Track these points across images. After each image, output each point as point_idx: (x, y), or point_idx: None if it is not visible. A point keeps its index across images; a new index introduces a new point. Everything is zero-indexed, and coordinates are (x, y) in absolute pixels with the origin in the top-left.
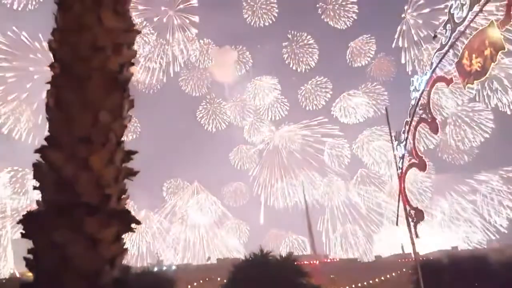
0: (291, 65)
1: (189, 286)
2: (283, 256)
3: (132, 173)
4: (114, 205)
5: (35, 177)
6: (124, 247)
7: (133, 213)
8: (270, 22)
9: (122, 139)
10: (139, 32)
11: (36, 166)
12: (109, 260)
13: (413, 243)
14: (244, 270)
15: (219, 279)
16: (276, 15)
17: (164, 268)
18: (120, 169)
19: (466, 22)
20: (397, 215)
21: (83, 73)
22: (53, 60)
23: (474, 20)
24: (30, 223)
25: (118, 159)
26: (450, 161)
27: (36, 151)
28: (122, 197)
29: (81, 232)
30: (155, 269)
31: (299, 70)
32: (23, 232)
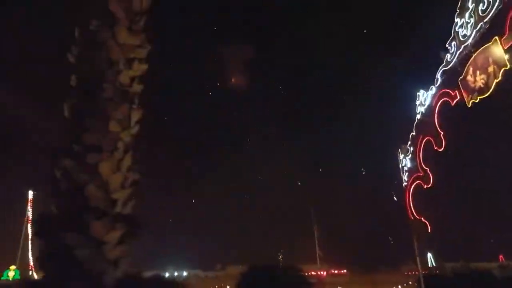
0: None
1: None
2: (289, 265)
3: (137, 180)
4: (120, 209)
5: (47, 181)
6: (129, 249)
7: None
8: None
9: (130, 148)
10: (150, 48)
11: (49, 172)
12: (113, 262)
13: (417, 256)
14: (249, 279)
15: (228, 287)
16: None
17: (176, 273)
18: (127, 176)
19: (470, 40)
20: (406, 228)
21: (96, 85)
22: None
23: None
24: (42, 225)
25: (125, 166)
26: None
27: (50, 158)
28: (128, 203)
29: (88, 235)
30: (166, 274)
31: None
32: (36, 232)
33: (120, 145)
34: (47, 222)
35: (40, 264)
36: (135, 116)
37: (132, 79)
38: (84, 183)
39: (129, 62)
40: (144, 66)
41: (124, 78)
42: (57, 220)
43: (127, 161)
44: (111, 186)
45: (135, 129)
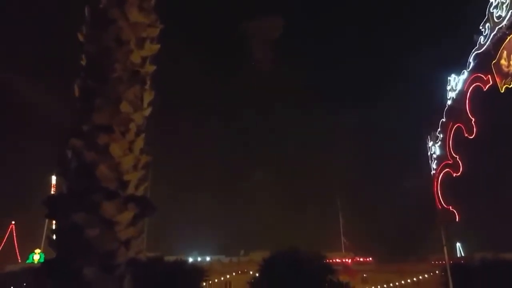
0: None
1: (222, 278)
2: (313, 252)
3: (150, 162)
4: (132, 191)
5: (58, 162)
6: (141, 230)
7: None
8: None
9: (142, 130)
10: (162, 27)
11: (60, 152)
12: (124, 242)
13: (444, 245)
14: (273, 265)
15: (251, 272)
16: None
17: (199, 259)
18: (139, 157)
19: (506, 22)
20: (435, 217)
21: (106, 65)
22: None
23: None
24: (53, 205)
25: (137, 148)
26: None
27: (61, 138)
28: (141, 185)
29: (98, 215)
30: (190, 259)
31: None
32: (47, 213)
33: (132, 126)
34: (57, 203)
35: (52, 244)
36: (148, 97)
37: (144, 59)
38: (95, 163)
39: (140, 42)
40: (156, 46)
41: (135, 57)
42: (68, 200)
43: (140, 143)
44: (123, 167)
45: (147, 111)
